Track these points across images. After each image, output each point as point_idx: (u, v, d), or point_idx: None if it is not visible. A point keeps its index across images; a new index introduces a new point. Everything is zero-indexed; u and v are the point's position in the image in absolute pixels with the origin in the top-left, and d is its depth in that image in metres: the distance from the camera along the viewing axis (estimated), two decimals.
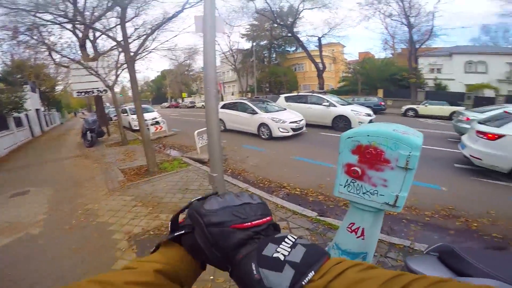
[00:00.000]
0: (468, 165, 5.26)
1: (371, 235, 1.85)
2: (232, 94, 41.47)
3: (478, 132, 4.83)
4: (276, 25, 28.11)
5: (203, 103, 17.68)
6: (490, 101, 16.63)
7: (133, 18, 7.01)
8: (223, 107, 10.31)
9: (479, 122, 5.22)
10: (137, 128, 9.35)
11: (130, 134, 12.05)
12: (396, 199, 1.62)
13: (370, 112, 9.86)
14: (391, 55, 27.73)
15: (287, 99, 11.61)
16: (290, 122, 8.54)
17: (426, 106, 15.70)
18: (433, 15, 20.19)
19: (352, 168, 1.75)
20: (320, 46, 25.68)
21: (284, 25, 25.67)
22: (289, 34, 26.78)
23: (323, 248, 0.39)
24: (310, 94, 11.61)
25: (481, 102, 16.53)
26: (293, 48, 35.77)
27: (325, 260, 0.36)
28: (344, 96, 17.45)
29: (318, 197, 4.08)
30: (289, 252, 0.36)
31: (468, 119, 7.31)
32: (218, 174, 3.31)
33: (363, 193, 1.75)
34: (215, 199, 0.45)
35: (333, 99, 10.46)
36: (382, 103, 17.47)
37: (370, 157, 1.66)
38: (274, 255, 0.36)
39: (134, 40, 7.04)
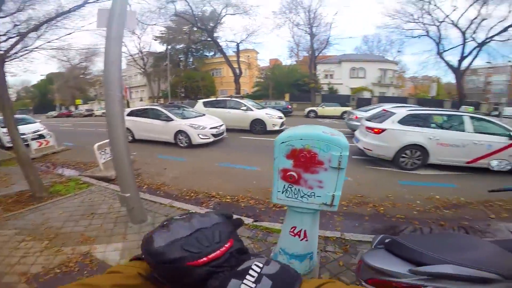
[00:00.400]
0: (362, 156, 6.39)
1: (312, 235, 1.90)
2: (141, 100, 37.59)
3: (367, 128, 5.93)
4: (196, 29, 27.14)
5: (103, 111, 15.22)
6: (368, 102, 20.97)
7: (14, 13, 5.35)
8: (131, 114, 9.06)
9: (367, 120, 6.44)
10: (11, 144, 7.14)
11: (3, 152, 9.12)
12: (332, 198, 1.70)
13: (282, 115, 10.71)
14: (295, 62, 31.34)
15: (206, 104, 11.32)
16: (211, 128, 8.29)
17: (323, 107, 18.46)
18: (330, 26, 24.13)
19: (288, 173, 1.74)
20: (238, 51, 26.39)
21: (205, 29, 25.08)
22: (209, 39, 26.35)
23: (293, 272, 0.37)
24: (229, 99, 11.76)
25: (362, 102, 20.67)
26: (212, 53, 35.29)
27: (299, 284, 0.35)
28: (257, 100, 18.54)
29: (250, 202, 4.07)
30: (255, 287, 0.33)
31: (357, 117, 8.94)
32: (131, 192, 2.80)
33: (301, 197, 1.76)
34: (161, 232, 0.39)
35: (249, 103, 10.85)
36: (289, 106, 19.46)
37: (305, 160, 1.68)
38: None
39: (10, 38, 5.35)
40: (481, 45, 18.61)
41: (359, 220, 3.50)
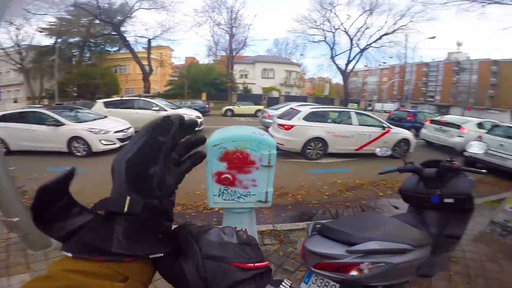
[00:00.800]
0: (277, 150, 7.08)
1: (253, 233, 2.00)
2: (16, 102, 29.24)
3: (279, 125, 6.64)
4: (98, 22, 22.76)
5: None
6: (276, 100, 23.08)
7: None
8: (2, 119, 7.10)
9: (278, 117, 7.19)
10: None
11: None
12: (266, 195, 1.84)
13: (200, 115, 10.53)
14: (213, 61, 31.14)
15: (107, 104, 9.80)
16: (115, 132, 7.19)
17: (239, 106, 19.30)
18: (249, 27, 24.95)
19: (223, 176, 1.77)
20: (149, 48, 23.89)
21: (110, 22, 21.46)
22: (114, 33, 22.88)
23: None
24: (137, 98, 10.66)
25: (271, 101, 22.60)
26: (115, 48, 30.58)
27: None
28: (171, 99, 17.57)
29: (176, 209, 3.88)
30: None
31: (269, 115, 9.77)
32: (21, 216, 2.28)
33: (238, 198, 1.83)
34: (217, 232, 0.40)
35: (162, 103, 10.19)
36: (206, 106, 19.34)
37: (238, 161, 1.75)
38: None
39: None
40: (362, 50, 23.47)
41: (284, 210, 3.83)
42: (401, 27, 21.97)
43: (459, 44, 54.30)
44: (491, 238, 2.96)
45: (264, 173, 1.81)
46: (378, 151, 2.52)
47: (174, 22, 23.83)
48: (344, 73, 24.50)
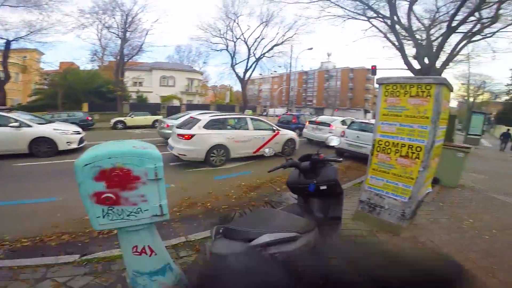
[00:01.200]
0: (179, 161, 6.80)
1: (159, 248, 1.84)
2: None
3: (179, 135, 6.39)
4: None
5: None
6: (177, 109, 22.08)
7: None
8: None
9: (177, 127, 6.92)
10: None
11: None
12: (160, 208, 1.73)
13: (79, 129, 8.69)
14: (98, 67, 26.50)
15: None
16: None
17: (132, 117, 17.29)
18: (147, 32, 22.35)
19: (103, 196, 1.57)
20: (6, 51, 17.58)
21: None
22: None
23: None
24: None
25: (172, 110, 21.42)
26: None
27: None
28: (39, 112, 13.95)
29: (63, 238, 3.12)
30: None
31: (168, 125, 9.24)
32: None
33: (128, 216, 1.65)
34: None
35: (25, 117, 7.88)
36: (89, 118, 16.38)
37: (119, 179, 1.58)
38: None
39: None
40: (257, 60, 25.56)
41: (195, 220, 3.73)
42: (288, 39, 25.30)
43: (329, 55, 68.03)
44: (364, 215, 3.56)
45: (153, 187, 1.69)
46: (266, 151, 2.81)
47: (49, 22, 18.62)
48: (243, 81, 26.14)
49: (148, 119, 17.52)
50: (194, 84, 33.81)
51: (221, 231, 1.58)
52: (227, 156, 6.82)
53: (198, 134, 6.34)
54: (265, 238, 1.47)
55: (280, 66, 32.76)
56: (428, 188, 3.54)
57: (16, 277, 2.20)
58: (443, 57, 11.62)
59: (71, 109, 18.13)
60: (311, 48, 29.98)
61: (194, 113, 8.69)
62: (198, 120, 6.71)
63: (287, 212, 2.09)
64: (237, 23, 24.76)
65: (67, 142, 7.49)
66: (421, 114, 2.87)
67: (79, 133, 8.24)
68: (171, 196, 4.40)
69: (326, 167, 2.49)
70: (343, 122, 10.87)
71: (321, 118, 12.30)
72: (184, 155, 6.32)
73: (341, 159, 2.63)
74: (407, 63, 11.03)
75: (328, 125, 10.78)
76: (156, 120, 15.42)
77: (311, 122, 11.81)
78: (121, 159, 1.58)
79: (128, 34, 22.19)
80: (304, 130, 11.71)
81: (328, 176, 2.40)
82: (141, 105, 23.52)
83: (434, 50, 10.81)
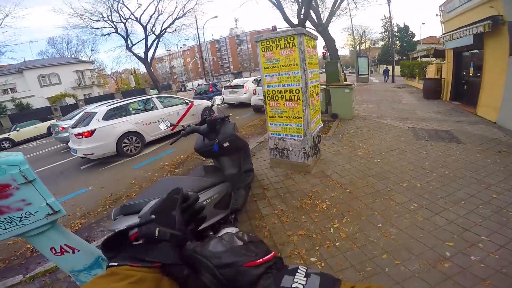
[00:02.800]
0: (90, 162, 6.13)
1: (79, 243, 1.84)
2: None
3: (77, 135, 5.61)
4: None
5: None
6: (75, 107, 18.71)
7: None
8: None
9: (72, 127, 6.03)
10: None
11: None
12: (50, 206, 1.68)
13: None
14: None
15: None
16: None
17: (18, 131, 14.00)
18: None
19: None
20: None
21: None
22: None
23: (331, 275, 0.40)
24: None
25: (67, 110, 18.04)
26: None
27: (339, 283, 0.37)
28: None
29: None
30: (306, 281, 0.37)
31: (63, 128, 7.95)
32: None
33: (20, 221, 1.62)
34: (219, 241, 0.46)
35: None
36: None
37: None
38: (293, 286, 0.37)
39: None
40: (158, 36, 22.96)
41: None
42: (190, 10, 23.41)
43: (236, 21, 66.64)
44: (277, 161, 3.98)
45: (30, 189, 1.63)
46: (161, 127, 2.77)
47: None
48: (146, 62, 23.57)
49: (40, 127, 14.47)
50: (87, 76, 28.86)
51: (119, 210, 1.65)
52: (143, 142, 6.44)
53: (99, 128, 5.68)
54: (150, 204, 1.58)
55: (187, 39, 30.58)
56: (319, 123, 4.14)
57: None
58: (325, 13, 12.96)
59: None
60: (216, 17, 28.55)
61: (89, 108, 7.62)
62: (94, 113, 5.94)
63: (192, 176, 2.21)
64: (123, 3, 21.30)
65: None
66: (291, 62, 3.27)
67: None
68: (92, 199, 4.31)
69: (225, 125, 2.65)
70: (255, 81, 11.30)
71: (235, 82, 12.49)
72: (92, 153, 5.67)
73: (229, 114, 2.83)
74: (287, 19, 11.83)
75: (242, 86, 11.08)
76: (51, 126, 12.89)
77: (226, 87, 11.99)
78: None
79: None
80: (223, 96, 11.80)
81: (227, 133, 2.57)
82: (25, 114, 19.09)
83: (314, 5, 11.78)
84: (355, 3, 17.12)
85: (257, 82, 10.64)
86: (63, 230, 1.92)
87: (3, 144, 13.50)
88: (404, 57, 29.18)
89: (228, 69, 70.40)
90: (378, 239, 2.30)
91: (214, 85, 14.23)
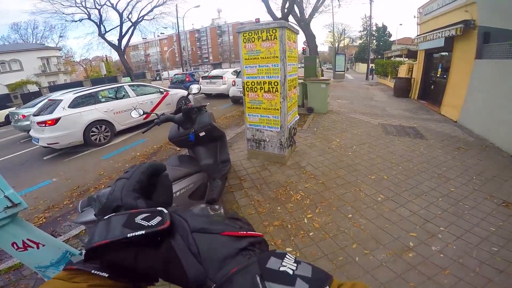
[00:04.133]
0: (54, 152, 5.70)
1: (43, 237, 1.72)
2: None
3: (39, 123, 5.19)
4: None
5: None
6: (38, 95, 17.30)
7: None
8: None
9: (34, 115, 5.56)
10: None
11: None
12: (9, 199, 1.54)
13: None
14: None
15: None
16: None
17: None
18: None
19: None
20: None
21: None
22: None
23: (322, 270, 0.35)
24: None
25: (29, 97, 16.63)
26: None
27: (332, 279, 0.31)
28: None
29: None
30: (296, 267, 0.31)
31: (24, 116, 7.33)
32: None
33: None
34: (204, 207, 0.39)
35: None
36: None
37: None
38: (281, 269, 0.30)
39: None
40: (135, 24, 21.67)
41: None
42: None
43: (219, 11, 64.98)
44: (254, 152, 3.99)
45: None
46: (134, 113, 2.63)
47: None
48: (120, 49, 22.26)
49: None
50: (53, 63, 26.74)
51: (86, 202, 1.59)
52: (113, 130, 6.13)
53: (65, 116, 5.30)
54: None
55: (166, 28, 29.21)
56: (295, 116, 4.20)
57: None
58: (309, 9, 13.01)
59: None
60: (198, 6, 27.53)
61: (53, 95, 7.07)
62: (60, 100, 5.51)
63: (166, 166, 2.14)
64: None
65: None
66: (272, 55, 3.26)
67: None
68: (57, 191, 4.05)
69: (201, 115, 2.58)
70: (235, 72, 11.16)
71: (214, 72, 12.25)
72: (56, 143, 5.28)
73: (205, 104, 2.77)
74: (271, 13, 11.83)
75: (221, 77, 10.90)
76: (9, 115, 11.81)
77: (204, 77, 11.74)
78: None
79: None
80: (200, 86, 11.56)
81: (203, 122, 2.50)
82: None
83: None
84: (338, 1, 17.37)
85: (237, 73, 10.52)
86: (25, 224, 1.79)
87: None
88: (379, 56, 30.43)
89: (207, 60, 68.80)
90: (348, 229, 2.41)
91: (191, 75, 13.82)
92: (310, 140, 4.87)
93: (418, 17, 9.70)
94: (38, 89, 20.09)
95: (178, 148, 5.11)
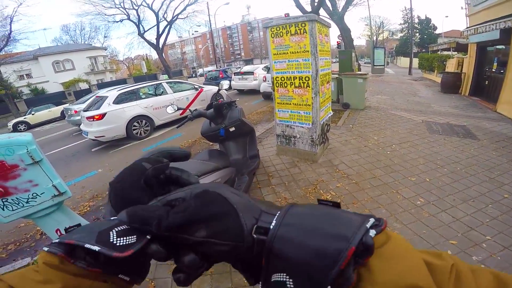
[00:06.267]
0: (100, 145, 6.26)
1: (83, 223, 1.92)
2: None
3: (88, 118, 5.73)
4: None
5: None
6: (88, 92, 19.12)
7: None
8: None
9: (84, 110, 6.15)
10: None
11: None
12: (56, 188, 1.73)
13: None
14: None
15: None
16: None
17: (33, 114, 14.50)
18: (12, 19, 17.35)
19: None
20: None
21: None
22: None
23: None
24: None
25: (81, 94, 18.48)
26: None
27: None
28: None
29: (9, 248, 2.95)
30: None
31: (76, 111, 8.13)
32: None
33: (27, 203, 1.68)
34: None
35: None
36: None
37: None
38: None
39: None
40: (170, 23, 22.95)
41: None
42: None
43: (248, 8, 65.59)
44: (283, 148, 3.94)
45: (37, 170, 1.68)
46: (168, 110, 2.77)
47: None
48: (158, 48, 23.62)
49: (54, 111, 14.95)
50: (100, 62, 29.27)
51: None
52: (152, 125, 6.54)
53: (110, 111, 5.79)
54: None
55: (199, 26, 30.31)
56: (328, 112, 4.05)
57: None
58: (342, 2, 12.46)
59: None
60: (227, 3, 28.14)
61: (100, 92, 7.75)
62: (105, 97, 6.04)
63: (195, 160, 2.20)
64: None
65: None
66: (302, 49, 3.17)
67: None
68: (101, 181, 4.38)
69: (231, 110, 2.63)
70: (266, 68, 11.14)
71: (245, 68, 12.37)
72: (103, 136, 5.80)
73: (236, 99, 2.80)
74: (299, 6, 11.52)
75: (252, 73, 10.96)
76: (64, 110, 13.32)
77: (236, 73, 11.91)
78: None
79: None
80: (232, 82, 11.76)
81: (233, 117, 2.55)
82: (40, 98, 19.65)
83: None
84: None
85: (267, 69, 10.48)
86: (69, 212, 1.97)
87: (19, 126, 14.03)
88: (423, 50, 28.11)
89: (239, 56, 69.67)
90: None
91: (224, 71, 14.16)
92: (345, 137, 4.67)
93: (466, 8, 8.75)
94: (88, 87, 22.21)
95: (211, 143, 5.27)
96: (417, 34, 33.30)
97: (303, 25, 3.06)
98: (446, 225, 2.31)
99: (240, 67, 15.37)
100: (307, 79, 3.25)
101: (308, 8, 11.50)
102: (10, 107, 17.79)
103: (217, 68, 24.38)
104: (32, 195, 1.70)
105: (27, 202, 1.70)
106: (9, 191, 1.62)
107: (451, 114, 6.10)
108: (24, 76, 24.25)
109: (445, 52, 14.92)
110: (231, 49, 70.34)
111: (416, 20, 32.62)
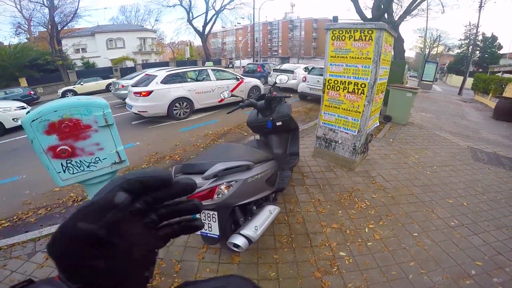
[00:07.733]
0: (141, 119, 6.68)
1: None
2: None
3: (135, 93, 6.12)
4: None
5: None
6: (132, 70, 20.29)
7: None
8: None
9: (133, 86, 6.57)
10: None
11: None
12: (118, 154, 1.78)
13: (23, 104, 7.95)
14: (26, 40, 22.62)
15: None
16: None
17: (82, 85, 15.82)
18: None
19: (58, 149, 1.59)
20: None
21: None
22: None
23: None
24: None
25: (126, 72, 19.65)
26: None
27: None
28: None
29: (39, 213, 3.07)
30: None
31: (123, 86, 8.70)
32: None
33: (88, 167, 1.69)
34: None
35: None
36: (32, 92, 14.61)
37: (70, 129, 1.60)
38: None
39: None
40: (218, 12, 23.62)
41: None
42: None
43: (292, 6, 64.93)
44: (321, 151, 3.90)
45: (106, 133, 1.76)
46: (225, 94, 2.90)
47: None
48: (203, 35, 24.32)
49: (101, 83, 16.18)
50: (148, 43, 30.73)
51: (179, 167, 1.68)
52: (191, 108, 6.82)
53: (156, 90, 6.14)
54: (219, 166, 1.53)
55: (243, 18, 30.65)
56: (375, 122, 3.94)
57: (9, 256, 2.24)
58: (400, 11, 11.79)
59: (7, 86, 15.85)
60: None
61: (150, 71, 8.19)
62: (155, 76, 6.41)
63: (247, 146, 2.27)
64: None
65: (14, 119, 6.85)
66: (364, 56, 3.11)
67: (24, 108, 7.52)
68: (137, 154, 4.65)
69: (281, 105, 2.69)
70: (306, 69, 11.01)
71: (285, 66, 12.35)
72: (146, 111, 6.20)
73: (290, 95, 2.84)
74: (359, 12, 11.08)
75: (292, 72, 10.91)
76: (110, 84, 14.30)
77: (275, 70, 11.93)
78: (67, 110, 1.59)
79: (56, 1, 18.62)
80: (269, 78, 11.90)
81: (282, 112, 2.61)
82: (90, 71, 21.13)
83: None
84: (442, 5, 15.06)
85: (308, 70, 10.35)
86: None
87: (67, 94, 15.34)
88: (480, 70, 25.84)
89: (276, 53, 69.13)
90: (410, 247, 2.26)
91: (262, 66, 14.22)
92: (384, 151, 4.53)
93: None
94: (134, 65, 23.51)
95: (245, 133, 5.40)
96: (478, 52, 30.63)
97: (370, 32, 3.00)
98: (475, 247, 2.29)
99: (274, 64, 15.31)
100: (363, 85, 3.20)
101: (367, 13, 11.05)
102: (63, 76, 19.38)
103: (254, 61, 24.52)
104: (95, 159, 1.73)
105: (88, 167, 1.71)
106: (75, 152, 1.65)
107: (501, 144, 5.62)
108: (80, 50, 26.21)
109: (507, 75, 13.61)
110: (269, 44, 69.95)
111: (480, 37, 29.94)
